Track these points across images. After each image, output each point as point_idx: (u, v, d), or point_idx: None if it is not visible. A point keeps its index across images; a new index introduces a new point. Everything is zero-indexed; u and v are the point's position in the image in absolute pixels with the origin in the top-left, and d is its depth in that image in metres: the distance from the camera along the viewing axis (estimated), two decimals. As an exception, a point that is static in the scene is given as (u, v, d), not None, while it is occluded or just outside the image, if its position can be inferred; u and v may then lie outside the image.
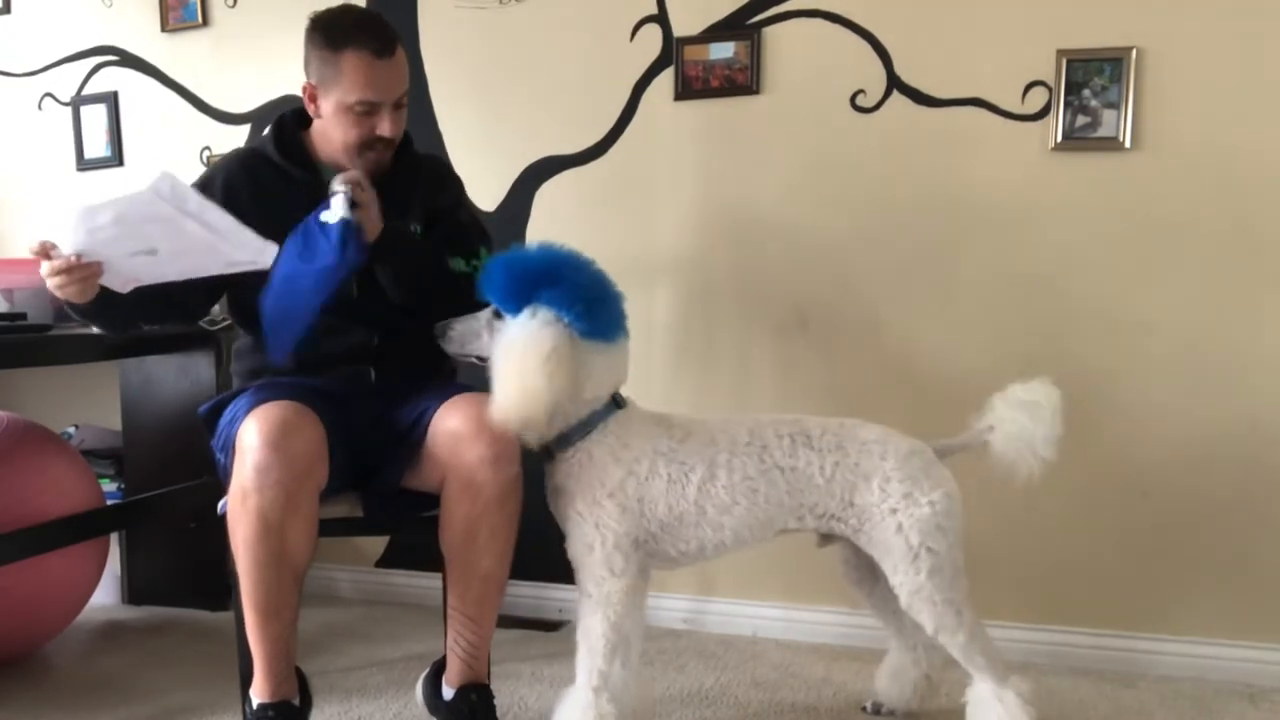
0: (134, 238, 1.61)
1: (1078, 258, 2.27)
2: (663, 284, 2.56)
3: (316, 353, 1.87)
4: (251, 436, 1.65)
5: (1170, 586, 2.26)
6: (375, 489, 1.89)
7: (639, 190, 2.56)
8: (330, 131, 1.89)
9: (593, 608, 1.75)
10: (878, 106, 2.37)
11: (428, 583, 2.72)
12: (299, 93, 1.91)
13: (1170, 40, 2.17)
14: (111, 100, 3.03)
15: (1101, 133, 2.22)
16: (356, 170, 1.83)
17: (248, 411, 1.70)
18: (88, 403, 3.00)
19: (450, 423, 1.78)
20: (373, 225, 1.78)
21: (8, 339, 2.19)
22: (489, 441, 1.73)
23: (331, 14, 1.88)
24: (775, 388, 2.49)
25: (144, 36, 2.98)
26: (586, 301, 1.68)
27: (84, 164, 3.09)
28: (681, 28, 2.49)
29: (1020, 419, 1.76)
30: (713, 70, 2.47)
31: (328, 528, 1.79)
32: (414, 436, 1.83)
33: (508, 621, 2.55)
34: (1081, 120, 2.23)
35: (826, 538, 1.89)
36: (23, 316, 2.34)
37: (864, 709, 2.06)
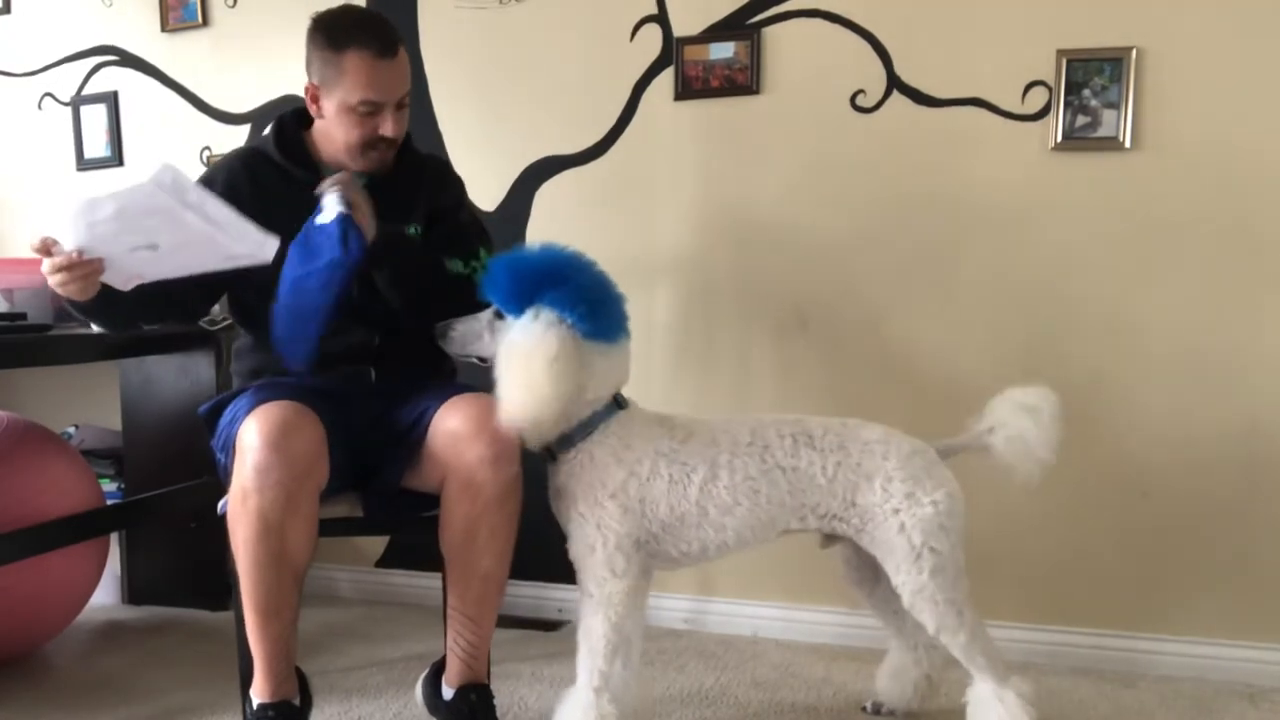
0: (135, 231, 1.60)
1: (1078, 258, 2.27)
2: (663, 284, 2.56)
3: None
4: (252, 436, 1.65)
5: (1170, 586, 2.27)
6: (375, 489, 1.89)
7: (639, 190, 2.56)
8: (333, 132, 1.88)
9: (594, 608, 1.75)
10: (878, 106, 2.37)
11: (428, 583, 2.72)
12: (299, 93, 1.91)
13: (1170, 40, 2.17)
14: (111, 100, 3.03)
15: (1101, 133, 2.22)
16: (346, 172, 1.81)
17: (248, 411, 1.70)
18: (88, 403, 3.00)
19: (450, 423, 1.78)
20: (366, 226, 1.78)
21: (8, 339, 2.18)
22: (489, 441, 1.73)
23: (333, 14, 1.88)
24: (775, 388, 2.49)
25: (144, 36, 2.98)
26: (590, 303, 1.68)
27: (84, 164, 3.08)
28: (681, 28, 2.49)
29: (1021, 422, 1.77)
30: (713, 70, 2.47)
31: (328, 528, 1.78)
32: (414, 436, 1.82)
33: (508, 621, 2.55)
34: (1081, 120, 2.23)
35: (830, 538, 1.89)
36: (23, 316, 2.34)
37: (864, 709, 2.06)
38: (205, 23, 2.90)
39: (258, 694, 1.77)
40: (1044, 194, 2.27)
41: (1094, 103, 2.22)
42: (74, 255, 1.60)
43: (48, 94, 3.11)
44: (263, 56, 2.84)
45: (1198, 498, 2.23)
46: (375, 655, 2.45)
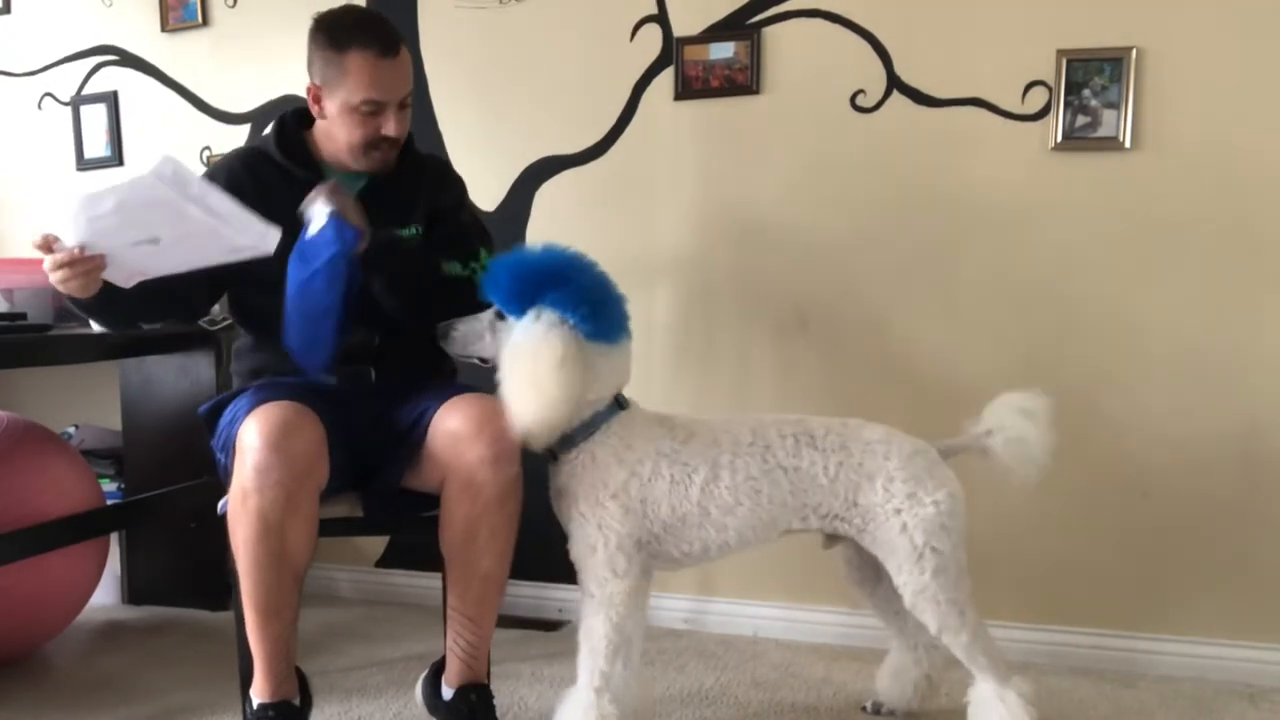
0: (136, 225, 1.59)
1: (1078, 258, 2.27)
2: (663, 284, 2.56)
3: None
4: (252, 436, 1.65)
5: (1170, 586, 2.27)
6: (375, 489, 1.89)
7: (639, 190, 2.56)
8: (335, 132, 1.88)
9: (595, 608, 1.75)
10: (878, 106, 2.37)
11: (428, 583, 2.72)
12: (299, 93, 1.91)
13: (1170, 40, 2.17)
14: (111, 100, 3.03)
15: (1101, 133, 2.22)
16: (330, 182, 1.80)
17: (248, 411, 1.70)
18: (88, 403, 3.00)
19: (450, 423, 1.77)
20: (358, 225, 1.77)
21: (8, 339, 2.18)
22: (489, 441, 1.72)
23: (335, 14, 1.88)
24: (775, 388, 2.49)
25: (144, 36, 2.98)
26: (591, 303, 1.68)
27: (84, 164, 3.08)
28: (681, 28, 2.49)
29: (1019, 424, 1.78)
30: (713, 70, 2.47)
31: (328, 528, 1.78)
32: (414, 436, 1.82)
33: (508, 621, 2.55)
34: (1081, 120, 2.23)
35: (832, 539, 1.89)
36: (23, 316, 2.34)
37: (864, 709, 2.06)
38: (205, 23, 2.90)
39: (258, 694, 1.76)
40: (1044, 194, 2.27)
41: (1094, 103, 2.22)
42: (75, 251, 1.59)
43: (48, 94, 3.11)
44: (263, 56, 2.84)
45: (1198, 498, 2.23)
46: (375, 655, 2.45)
